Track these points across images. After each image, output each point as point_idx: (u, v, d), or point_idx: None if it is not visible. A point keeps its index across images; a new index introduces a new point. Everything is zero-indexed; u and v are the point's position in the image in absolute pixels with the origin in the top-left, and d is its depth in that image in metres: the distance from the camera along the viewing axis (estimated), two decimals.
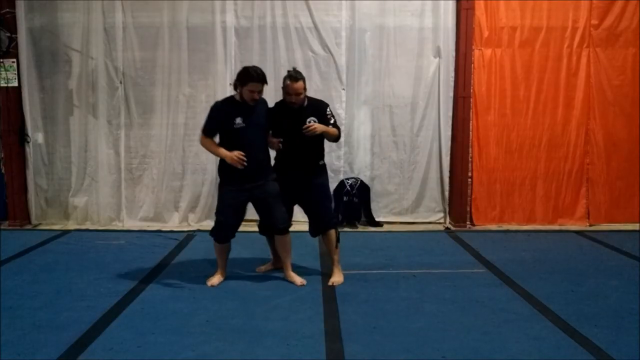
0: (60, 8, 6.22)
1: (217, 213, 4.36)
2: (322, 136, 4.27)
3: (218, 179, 4.46)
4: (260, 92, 4.16)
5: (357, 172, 6.43)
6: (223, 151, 4.16)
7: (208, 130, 4.25)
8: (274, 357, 3.17)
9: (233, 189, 4.24)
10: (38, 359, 3.15)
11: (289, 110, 4.25)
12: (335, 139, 4.40)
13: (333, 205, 4.59)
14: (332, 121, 4.30)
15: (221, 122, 4.19)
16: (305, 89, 4.22)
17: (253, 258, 5.00)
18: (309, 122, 4.16)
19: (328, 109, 4.34)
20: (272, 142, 4.32)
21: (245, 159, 4.09)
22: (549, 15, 6.24)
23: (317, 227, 4.48)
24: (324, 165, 4.47)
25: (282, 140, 4.26)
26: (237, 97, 4.21)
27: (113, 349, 3.25)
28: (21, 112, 6.30)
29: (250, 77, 4.08)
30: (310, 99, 4.37)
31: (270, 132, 4.35)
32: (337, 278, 4.42)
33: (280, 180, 4.35)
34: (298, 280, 4.40)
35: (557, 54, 6.30)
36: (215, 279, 4.39)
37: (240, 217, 4.38)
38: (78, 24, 6.22)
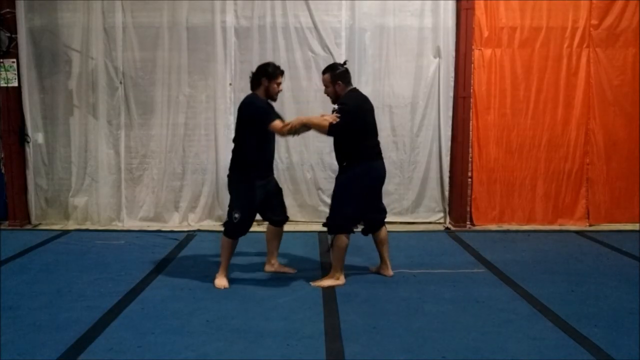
0: (60, 8, 6.22)
1: (240, 210, 4.25)
2: (346, 138, 4.18)
3: (225, 178, 4.46)
4: None
5: None
6: (316, 117, 4.29)
7: (273, 118, 4.15)
8: (274, 357, 3.17)
9: (257, 185, 4.28)
10: (38, 359, 3.15)
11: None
12: (328, 132, 4.14)
13: (347, 209, 4.29)
14: (335, 109, 4.19)
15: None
16: (332, 82, 4.25)
17: (253, 258, 5.00)
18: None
19: (340, 103, 4.20)
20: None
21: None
22: (548, 15, 6.24)
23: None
24: (348, 167, 4.26)
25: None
26: (260, 94, 4.27)
27: (113, 349, 3.25)
28: (21, 112, 6.30)
29: (278, 69, 4.24)
30: (347, 94, 4.26)
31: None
32: (320, 281, 4.36)
33: None
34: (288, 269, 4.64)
35: (557, 54, 6.30)
36: (225, 281, 4.34)
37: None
38: (78, 24, 6.23)
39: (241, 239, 4.43)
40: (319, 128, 4.19)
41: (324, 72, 4.36)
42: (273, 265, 4.70)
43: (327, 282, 4.34)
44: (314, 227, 6.08)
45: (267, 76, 4.22)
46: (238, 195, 4.32)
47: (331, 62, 6.18)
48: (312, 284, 4.35)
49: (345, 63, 4.41)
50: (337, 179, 4.36)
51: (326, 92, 4.38)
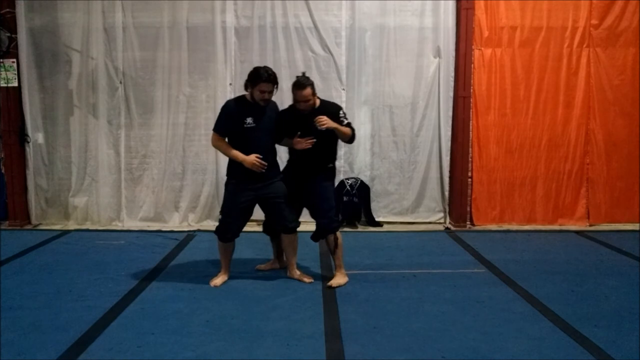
0: (60, 8, 6.22)
1: (224, 213, 4.32)
2: (333, 139, 4.23)
3: (224, 178, 4.41)
4: (271, 92, 4.17)
5: (357, 172, 6.43)
6: (240, 155, 4.15)
7: (220, 128, 4.23)
8: (274, 357, 3.17)
9: (241, 189, 4.23)
10: (38, 359, 3.15)
11: (300, 114, 4.23)
12: (350, 139, 4.31)
13: (334, 209, 4.51)
14: (344, 122, 4.23)
15: (233, 121, 4.19)
16: (314, 94, 4.19)
17: (254, 258, 5.00)
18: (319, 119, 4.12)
19: (341, 112, 4.28)
20: (298, 142, 4.20)
21: (265, 163, 4.14)
22: (549, 15, 6.24)
23: (316, 232, 4.47)
24: (332, 168, 4.43)
25: (313, 138, 4.18)
26: (249, 97, 4.23)
27: (113, 349, 3.25)
28: (21, 112, 6.30)
29: (261, 77, 4.09)
30: (323, 102, 4.32)
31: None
32: (337, 280, 4.39)
33: (289, 181, 4.38)
34: (306, 278, 4.47)
35: (557, 54, 6.30)
36: (219, 280, 4.39)
37: (246, 218, 4.39)
38: (78, 24, 6.23)
39: (243, 239, 4.43)
40: (344, 135, 4.23)
41: (303, 87, 4.13)
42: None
43: (342, 280, 4.40)
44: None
45: (250, 81, 4.16)
46: (224, 197, 4.37)
47: (331, 62, 6.27)
48: (332, 284, 4.32)
49: (304, 74, 4.30)
50: (322, 181, 4.35)
51: (306, 107, 4.18)
